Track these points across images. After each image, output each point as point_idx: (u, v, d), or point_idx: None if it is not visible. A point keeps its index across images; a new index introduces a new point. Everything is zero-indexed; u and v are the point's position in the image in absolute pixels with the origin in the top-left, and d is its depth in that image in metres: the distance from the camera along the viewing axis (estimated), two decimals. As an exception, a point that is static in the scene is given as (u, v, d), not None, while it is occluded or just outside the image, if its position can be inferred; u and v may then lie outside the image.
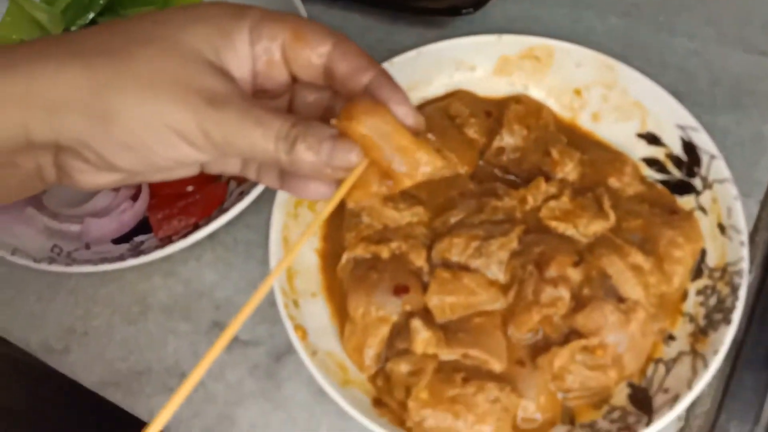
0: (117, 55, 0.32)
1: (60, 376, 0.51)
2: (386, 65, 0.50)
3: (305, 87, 0.37)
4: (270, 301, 0.50)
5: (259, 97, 0.36)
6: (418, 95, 0.52)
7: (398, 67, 0.50)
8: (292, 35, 0.34)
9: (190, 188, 0.51)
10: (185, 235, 0.47)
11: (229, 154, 0.33)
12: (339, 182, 0.35)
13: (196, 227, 0.48)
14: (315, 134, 0.32)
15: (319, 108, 0.37)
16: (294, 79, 0.36)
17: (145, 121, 0.31)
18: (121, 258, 0.47)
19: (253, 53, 0.34)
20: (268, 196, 0.49)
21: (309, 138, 0.32)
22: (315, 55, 0.34)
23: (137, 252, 0.48)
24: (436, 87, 0.52)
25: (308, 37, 0.34)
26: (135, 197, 0.50)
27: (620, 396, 0.41)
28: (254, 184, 0.48)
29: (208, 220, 0.49)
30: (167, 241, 0.48)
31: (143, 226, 0.51)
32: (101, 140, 0.32)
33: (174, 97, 0.31)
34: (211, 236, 0.53)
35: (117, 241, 0.51)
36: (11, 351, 0.52)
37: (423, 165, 0.35)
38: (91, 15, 0.60)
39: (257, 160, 0.36)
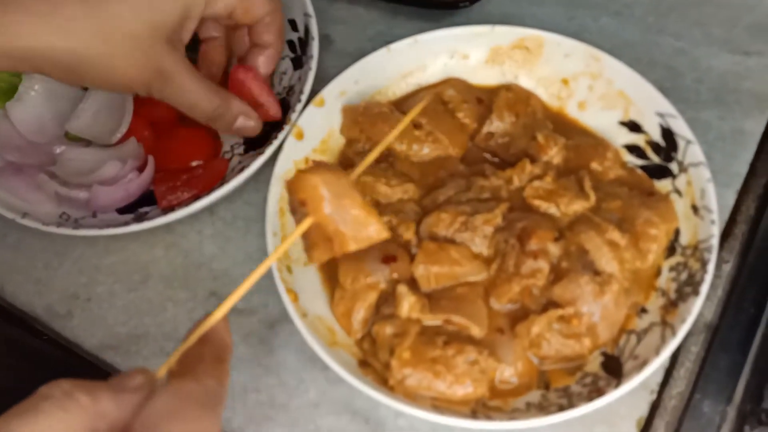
0: None
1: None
2: (383, 51, 0.53)
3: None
4: (265, 273, 0.52)
5: None
6: (413, 81, 0.55)
7: (395, 53, 0.53)
8: None
9: (194, 163, 0.54)
10: (187, 205, 0.50)
11: None
12: None
13: (198, 199, 0.51)
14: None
15: None
16: None
17: None
18: (126, 224, 0.49)
19: None
20: (267, 175, 0.51)
21: None
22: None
23: (141, 220, 0.50)
24: (431, 73, 0.55)
25: None
26: (141, 169, 0.53)
27: (594, 363, 0.43)
28: (254, 159, 0.51)
29: (210, 193, 0.51)
30: (170, 210, 0.51)
31: (147, 199, 0.54)
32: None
33: None
34: (211, 211, 0.56)
35: (122, 211, 0.53)
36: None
37: (370, 230, 0.36)
38: None
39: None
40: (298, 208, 0.37)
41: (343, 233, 0.36)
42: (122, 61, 0.42)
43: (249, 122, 0.50)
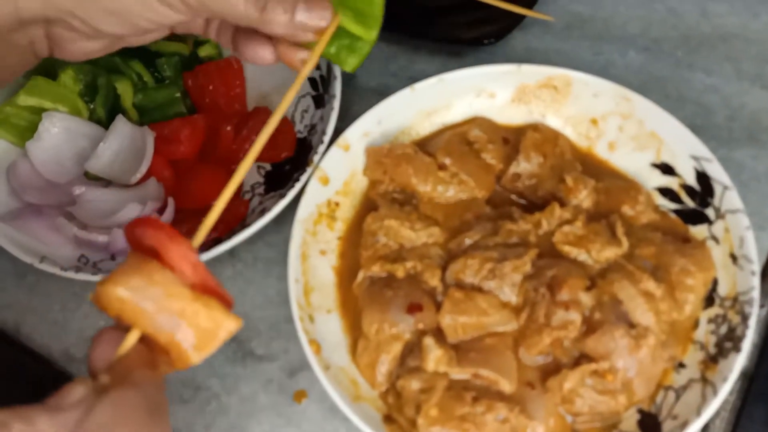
0: None
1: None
2: (407, 90, 0.52)
3: None
4: (286, 317, 0.51)
5: None
6: (438, 120, 0.53)
7: (420, 92, 0.52)
8: None
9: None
10: (207, 249, 0.49)
11: (201, 14, 0.38)
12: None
13: (218, 242, 0.49)
14: None
15: None
16: None
17: None
18: (145, 268, 0.48)
19: None
20: (288, 215, 0.50)
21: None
22: None
23: (160, 264, 0.49)
24: (456, 113, 0.53)
25: None
26: (161, 211, 0.52)
27: (629, 422, 0.41)
28: (276, 201, 0.49)
29: (230, 235, 0.50)
30: (189, 254, 0.50)
31: (167, 240, 0.53)
32: (87, 9, 0.37)
33: None
34: (232, 253, 0.55)
35: (141, 253, 0.52)
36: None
37: (213, 328, 0.28)
38: None
39: (228, 19, 0.39)
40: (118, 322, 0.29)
41: (177, 343, 0.27)
42: None
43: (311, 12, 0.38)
